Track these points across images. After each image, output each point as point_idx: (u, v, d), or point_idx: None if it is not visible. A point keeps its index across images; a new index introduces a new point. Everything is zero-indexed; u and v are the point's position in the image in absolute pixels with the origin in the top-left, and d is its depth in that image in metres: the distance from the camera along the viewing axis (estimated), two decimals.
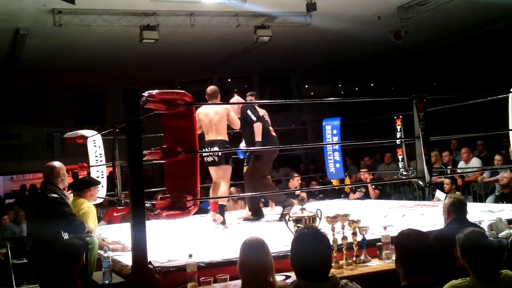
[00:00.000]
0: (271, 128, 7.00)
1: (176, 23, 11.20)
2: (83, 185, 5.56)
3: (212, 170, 6.80)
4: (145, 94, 4.13)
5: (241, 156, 7.41)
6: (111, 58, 13.88)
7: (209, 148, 6.53)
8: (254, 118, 6.74)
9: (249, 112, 6.79)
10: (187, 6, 10.78)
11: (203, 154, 6.54)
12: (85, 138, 7.56)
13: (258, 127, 6.70)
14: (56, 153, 8.05)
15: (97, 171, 7.41)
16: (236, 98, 7.43)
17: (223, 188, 6.60)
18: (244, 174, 7.24)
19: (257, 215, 7.11)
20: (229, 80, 19.68)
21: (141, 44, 11.42)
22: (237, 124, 6.82)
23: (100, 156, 7.48)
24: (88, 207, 5.35)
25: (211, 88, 6.81)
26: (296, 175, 9.60)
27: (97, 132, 7.72)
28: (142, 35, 10.95)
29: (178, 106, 4.28)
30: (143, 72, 15.79)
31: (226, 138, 6.62)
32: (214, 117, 6.61)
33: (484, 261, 3.21)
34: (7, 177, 19.54)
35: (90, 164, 7.42)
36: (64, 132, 8.41)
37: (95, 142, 7.54)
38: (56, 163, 5.28)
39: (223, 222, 6.54)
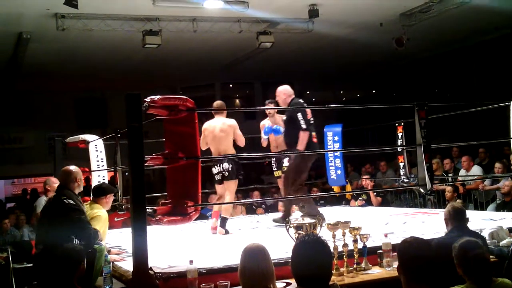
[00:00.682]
0: (313, 133, 6.80)
1: (179, 29, 11.23)
2: (100, 192, 5.50)
3: (219, 187, 6.83)
4: (147, 99, 4.14)
5: (275, 133, 7.21)
6: (114, 62, 13.92)
7: (219, 165, 6.64)
8: (304, 126, 6.49)
9: (299, 115, 6.54)
10: (189, 11, 10.80)
11: (213, 171, 6.74)
12: (86, 142, 7.57)
13: (304, 137, 6.48)
14: (57, 157, 8.02)
15: (99, 175, 7.41)
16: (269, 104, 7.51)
17: (227, 200, 6.64)
18: (279, 179, 7.48)
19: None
20: (231, 85, 19.72)
21: (144, 49, 11.46)
22: (242, 142, 6.87)
23: (102, 161, 7.49)
24: (102, 213, 5.31)
25: (217, 103, 6.95)
26: None
27: (98, 137, 7.73)
28: (144, 40, 10.98)
29: (180, 112, 4.28)
30: (145, 77, 15.83)
31: (233, 151, 6.72)
32: (220, 134, 6.68)
33: (477, 269, 3.28)
34: (8, 181, 19.57)
35: (92, 169, 7.42)
36: (66, 136, 8.41)
37: (96, 147, 7.55)
38: (73, 168, 5.20)
39: (227, 233, 6.52)
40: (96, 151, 7.53)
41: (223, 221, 6.55)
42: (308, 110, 6.66)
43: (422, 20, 11.61)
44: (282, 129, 6.95)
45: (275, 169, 7.50)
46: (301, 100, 6.90)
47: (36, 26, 10.79)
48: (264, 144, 7.38)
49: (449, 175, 9.91)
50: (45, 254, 4.62)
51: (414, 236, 3.24)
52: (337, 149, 8.24)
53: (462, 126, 12.91)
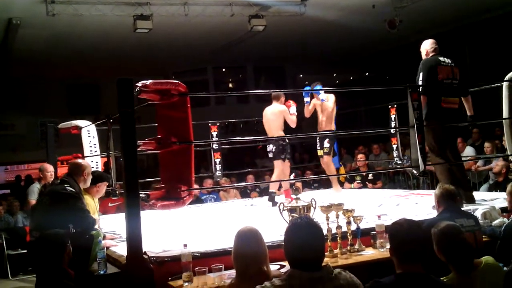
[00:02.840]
0: None
1: (170, 13, 11.16)
2: (91, 180, 5.38)
3: (274, 163, 7.73)
4: (139, 84, 4.12)
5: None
6: (105, 48, 13.83)
7: (268, 145, 7.67)
8: None
9: None
10: None
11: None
12: (79, 128, 7.54)
13: None
14: (50, 143, 8.00)
15: (92, 161, 7.39)
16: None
17: (274, 177, 7.60)
18: (321, 158, 8.17)
19: None
20: (223, 69, 19.66)
21: (135, 34, 11.39)
22: (292, 124, 7.61)
23: (95, 147, 7.47)
24: (88, 202, 5.30)
25: (275, 92, 7.84)
26: None
27: (91, 123, 7.70)
28: (135, 24, 10.91)
29: (172, 96, 4.27)
30: (137, 62, 15.74)
31: (281, 134, 7.52)
32: (270, 117, 7.60)
33: (459, 255, 3.31)
34: (2, 168, 19.50)
35: (85, 155, 7.40)
36: (58, 122, 8.38)
37: (89, 133, 7.52)
38: (83, 162, 5.27)
39: (274, 205, 6.95)
40: (89, 136, 7.51)
41: (271, 195, 7.42)
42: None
43: (414, 2, 11.59)
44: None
45: (319, 148, 8.26)
46: None
47: (26, 12, 10.69)
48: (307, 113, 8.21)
49: None
50: (41, 240, 4.62)
51: (404, 217, 3.25)
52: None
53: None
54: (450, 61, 6.05)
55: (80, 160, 5.31)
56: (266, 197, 8.79)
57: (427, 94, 5.80)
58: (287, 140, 7.71)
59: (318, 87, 8.01)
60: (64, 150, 8.42)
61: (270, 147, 7.63)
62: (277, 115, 7.56)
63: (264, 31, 12.01)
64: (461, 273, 3.27)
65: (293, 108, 7.68)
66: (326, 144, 8.03)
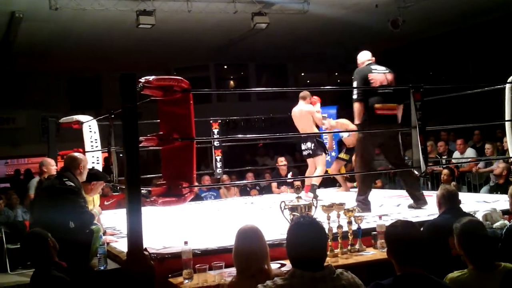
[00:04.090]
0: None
1: (173, 9, 11.13)
2: (86, 178, 5.24)
3: (309, 161, 7.87)
4: (142, 80, 4.11)
5: None
6: (107, 43, 13.80)
7: (304, 143, 7.75)
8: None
9: None
10: None
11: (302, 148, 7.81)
12: (80, 123, 7.52)
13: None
14: (51, 138, 7.98)
15: (93, 156, 7.38)
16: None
17: (318, 171, 7.62)
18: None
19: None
20: (225, 67, 19.64)
21: (138, 29, 11.36)
22: (319, 123, 7.76)
23: (96, 142, 7.45)
24: None
25: (303, 92, 7.90)
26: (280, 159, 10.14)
27: (92, 118, 7.69)
28: (138, 20, 10.89)
29: (175, 93, 4.26)
30: (139, 58, 15.73)
31: (311, 131, 7.61)
32: (300, 118, 7.70)
33: (482, 252, 3.20)
34: (2, 162, 19.50)
35: (86, 150, 7.39)
36: (59, 116, 8.36)
37: (90, 128, 7.50)
38: (78, 155, 5.19)
39: (315, 197, 6.87)
40: (90, 131, 7.49)
41: (313, 187, 7.54)
42: None
43: (418, 2, 11.56)
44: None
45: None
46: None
47: (29, 5, 10.67)
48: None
49: (443, 157, 9.94)
50: None
51: (400, 219, 3.22)
52: (332, 131, 8.21)
53: (457, 108, 12.91)
54: (384, 69, 6.23)
55: (76, 153, 5.24)
56: (266, 195, 8.83)
57: (362, 101, 6.07)
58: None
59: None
60: (65, 145, 8.38)
61: (308, 145, 7.69)
62: (304, 115, 7.66)
63: (267, 29, 11.99)
64: (480, 269, 3.18)
65: (318, 105, 7.88)
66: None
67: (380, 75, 6.14)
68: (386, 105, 6.03)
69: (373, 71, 6.14)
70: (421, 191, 6.29)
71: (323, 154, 7.75)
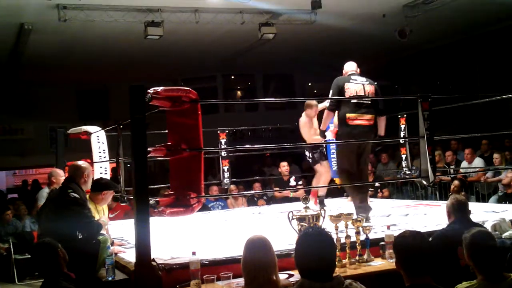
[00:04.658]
0: None
1: (181, 20, 11.20)
2: (96, 187, 5.29)
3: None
4: (150, 90, 4.11)
5: None
6: (115, 54, 13.90)
7: (306, 152, 7.74)
8: None
9: None
10: (192, 2, 10.78)
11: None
12: (88, 134, 7.54)
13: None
14: (59, 148, 8.02)
15: (101, 167, 7.39)
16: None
17: (322, 180, 7.61)
18: None
19: None
20: (232, 77, 19.69)
21: (146, 40, 11.44)
22: (306, 138, 7.57)
23: (104, 152, 7.46)
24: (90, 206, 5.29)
25: (307, 101, 7.82)
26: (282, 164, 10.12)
27: (100, 128, 7.71)
28: (146, 31, 10.97)
29: (183, 103, 4.27)
30: (147, 68, 15.80)
31: (310, 141, 7.49)
32: (300, 126, 7.68)
33: (491, 263, 3.18)
34: (10, 172, 19.59)
35: (94, 160, 7.41)
36: (67, 127, 8.39)
37: (98, 138, 7.52)
38: (82, 163, 5.20)
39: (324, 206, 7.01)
40: (98, 142, 7.51)
41: (321, 198, 7.67)
42: None
43: (425, 11, 11.57)
44: None
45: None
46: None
47: (38, 17, 10.76)
48: None
49: (451, 167, 9.90)
50: None
51: (408, 229, 3.21)
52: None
53: (464, 118, 12.88)
54: (364, 80, 6.22)
55: (79, 162, 5.25)
56: (274, 205, 8.81)
57: (333, 111, 6.31)
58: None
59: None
60: (73, 156, 8.40)
61: (307, 154, 7.74)
62: (301, 126, 7.68)
63: (274, 39, 12.02)
64: (490, 280, 3.15)
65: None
66: None
67: (357, 85, 6.14)
68: (359, 115, 6.05)
69: (351, 81, 6.16)
70: (366, 202, 6.24)
71: (323, 163, 7.67)
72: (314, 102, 7.73)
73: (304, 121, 7.65)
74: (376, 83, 6.30)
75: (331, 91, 6.18)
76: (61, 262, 3.89)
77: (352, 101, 6.05)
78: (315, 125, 7.57)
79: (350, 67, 6.44)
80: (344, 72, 6.45)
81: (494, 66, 14.12)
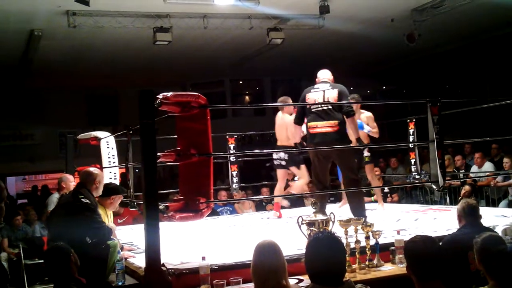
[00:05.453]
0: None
1: (189, 25, 11.24)
2: (105, 192, 5.32)
3: (280, 171, 7.59)
4: (160, 96, 4.13)
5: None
6: (124, 59, 13.96)
7: (277, 153, 7.42)
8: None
9: None
10: (200, 8, 10.80)
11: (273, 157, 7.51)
12: (98, 139, 7.58)
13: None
14: (69, 154, 8.06)
15: (110, 172, 7.42)
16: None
17: (300, 182, 7.47)
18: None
19: None
20: (240, 82, 19.72)
21: (154, 46, 11.48)
22: (295, 138, 7.04)
23: (113, 158, 7.49)
24: (100, 211, 5.31)
25: (283, 98, 7.57)
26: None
27: (110, 134, 7.74)
28: (155, 37, 11.01)
29: (192, 109, 4.28)
30: (155, 74, 15.86)
31: (288, 144, 7.21)
32: (277, 127, 7.48)
33: (501, 267, 3.15)
34: (19, 178, 19.67)
35: (103, 166, 7.44)
36: (77, 133, 8.44)
37: (108, 144, 7.55)
38: (94, 169, 5.24)
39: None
40: (108, 147, 7.54)
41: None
42: None
43: (434, 15, 11.54)
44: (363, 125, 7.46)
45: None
46: None
47: (48, 24, 10.83)
48: None
49: (461, 171, 9.87)
50: None
51: (419, 234, 3.21)
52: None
53: (473, 122, 12.83)
54: (328, 86, 6.24)
55: (91, 168, 5.30)
56: (282, 210, 8.77)
57: (298, 124, 6.48)
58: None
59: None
60: (82, 161, 8.45)
61: (281, 155, 7.38)
62: (281, 126, 7.45)
63: (282, 44, 12.03)
64: (502, 286, 3.12)
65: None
66: (366, 153, 7.85)
67: (317, 93, 6.20)
68: (318, 123, 6.11)
69: (312, 90, 6.26)
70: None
71: (297, 167, 7.44)
72: (289, 98, 7.59)
73: (290, 119, 7.21)
74: (343, 86, 6.31)
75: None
76: (73, 267, 3.90)
77: (312, 110, 6.15)
78: None
79: (321, 75, 6.50)
80: (316, 80, 6.49)
81: (503, 70, 14.06)
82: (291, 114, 7.28)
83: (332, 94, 6.12)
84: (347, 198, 6.41)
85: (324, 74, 6.46)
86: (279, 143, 7.47)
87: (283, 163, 7.43)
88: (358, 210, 5.94)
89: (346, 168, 6.31)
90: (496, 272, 3.16)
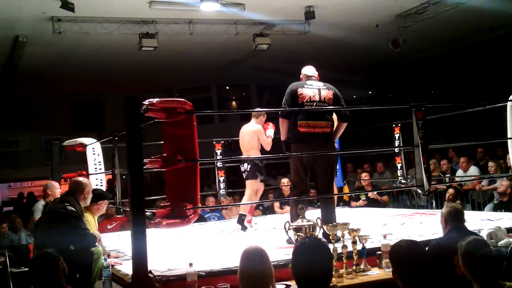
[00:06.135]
0: None
1: (175, 31, 11.24)
2: (92, 198, 5.30)
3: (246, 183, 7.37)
4: (146, 102, 4.12)
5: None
6: (110, 65, 13.90)
7: (242, 165, 7.26)
8: None
9: None
10: (186, 14, 10.80)
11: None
12: (84, 146, 7.55)
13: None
14: (55, 160, 8.01)
15: (96, 179, 7.40)
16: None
17: (244, 198, 7.27)
18: None
19: None
20: (227, 87, 19.72)
21: (140, 52, 11.47)
22: (266, 146, 7.22)
23: (99, 164, 7.47)
24: (89, 220, 5.30)
25: (255, 111, 7.45)
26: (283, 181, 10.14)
27: (96, 140, 7.72)
28: (141, 42, 11.01)
29: (178, 115, 4.28)
30: (141, 80, 15.82)
31: (256, 154, 7.15)
32: (245, 137, 7.27)
33: (485, 271, 3.18)
34: (5, 185, 19.49)
35: (89, 172, 7.41)
36: (62, 139, 8.39)
37: (94, 150, 7.53)
38: (84, 180, 5.26)
39: (243, 229, 7.03)
40: (94, 154, 7.52)
41: (240, 217, 7.14)
42: None
43: (418, 21, 11.64)
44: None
45: None
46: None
47: (33, 30, 10.77)
48: None
49: (446, 175, 9.93)
50: None
51: (405, 238, 3.22)
52: (335, 152, 8.20)
53: (458, 126, 12.94)
54: (321, 85, 5.81)
55: (81, 178, 5.30)
56: (270, 215, 8.80)
57: (287, 118, 5.69)
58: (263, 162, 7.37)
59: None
60: (68, 167, 8.41)
61: (245, 166, 7.19)
62: (250, 135, 7.20)
63: (268, 49, 12.07)
64: None
65: (270, 131, 7.30)
66: None
67: (311, 90, 5.68)
68: (310, 122, 5.59)
69: (305, 86, 5.72)
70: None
71: (257, 179, 7.18)
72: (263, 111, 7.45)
73: (255, 130, 7.20)
74: (335, 88, 5.92)
75: (284, 98, 5.73)
76: (61, 275, 3.88)
77: (305, 107, 5.60)
78: None
79: (307, 71, 6.05)
80: (301, 76, 6.05)
81: (486, 75, 14.20)
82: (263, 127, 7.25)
83: (327, 94, 5.71)
84: (322, 205, 5.76)
85: (311, 71, 6.06)
86: (247, 154, 7.24)
87: (245, 174, 7.27)
88: (332, 217, 5.54)
89: (330, 173, 5.83)
90: (480, 275, 3.18)
